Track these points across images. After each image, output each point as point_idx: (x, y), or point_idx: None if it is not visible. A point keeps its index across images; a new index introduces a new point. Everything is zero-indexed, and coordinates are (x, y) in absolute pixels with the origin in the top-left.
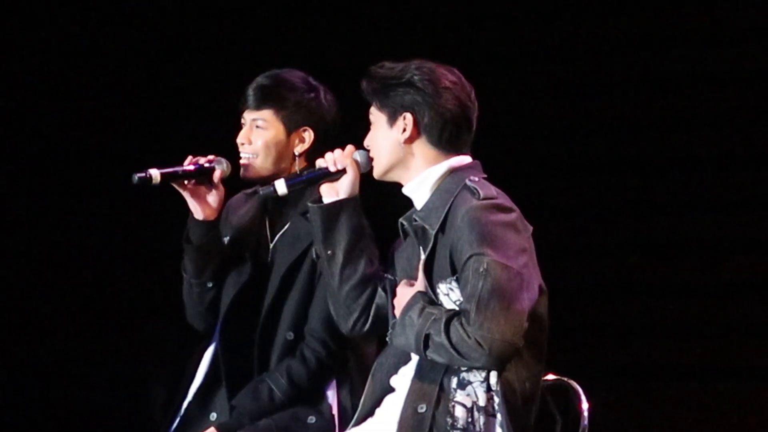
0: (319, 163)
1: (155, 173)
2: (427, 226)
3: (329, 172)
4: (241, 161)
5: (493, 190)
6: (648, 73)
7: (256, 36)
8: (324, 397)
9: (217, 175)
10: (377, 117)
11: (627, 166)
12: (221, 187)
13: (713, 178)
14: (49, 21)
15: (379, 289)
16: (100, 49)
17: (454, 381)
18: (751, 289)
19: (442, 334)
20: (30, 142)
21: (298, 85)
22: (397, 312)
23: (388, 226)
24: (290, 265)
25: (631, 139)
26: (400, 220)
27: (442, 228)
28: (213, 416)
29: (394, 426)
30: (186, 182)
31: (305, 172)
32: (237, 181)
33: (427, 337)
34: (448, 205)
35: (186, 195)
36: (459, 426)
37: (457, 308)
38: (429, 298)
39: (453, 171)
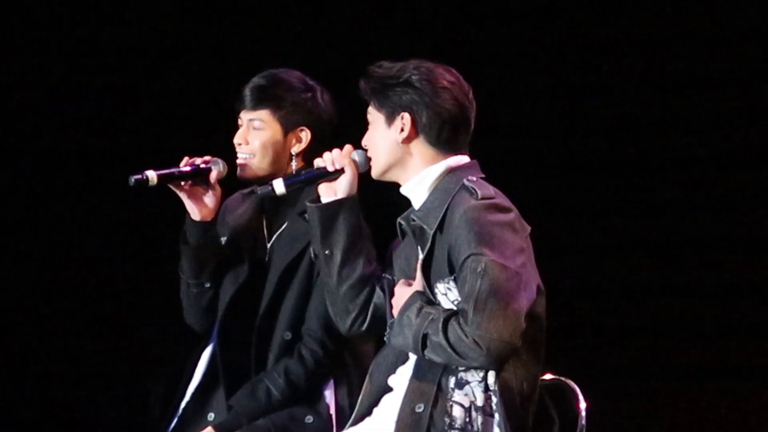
0: (317, 162)
1: (152, 175)
2: (425, 226)
3: (327, 171)
4: (238, 161)
5: (491, 190)
6: (648, 73)
7: (254, 36)
8: (321, 396)
9: (213, 176)
10: (375, 117)
11: (626, 166)
12: (218, 188)
13: (713, 178)
14: (48, 21)
15: (377, 289)
16: (99, 49)
17: (452, 381)
18: (751, 289)
19: (440, 333)
20: (30, 142)
21: (295, 84)
22: (395, 312)
23: (386, 226)
24: (288, 265)
25: (630, 139)
26: (398, 219)
27: (440, 228)
28: (211, 416)
29: (392, 426)
30: (183, 183)
31: (303, 172)
32: (234, 182)
33: (425, 336)
34: (446, 205)
35: (183, 196)
36: (457, 426)
37: (455, 308)
38: (427, 298)
39: (451, 171)
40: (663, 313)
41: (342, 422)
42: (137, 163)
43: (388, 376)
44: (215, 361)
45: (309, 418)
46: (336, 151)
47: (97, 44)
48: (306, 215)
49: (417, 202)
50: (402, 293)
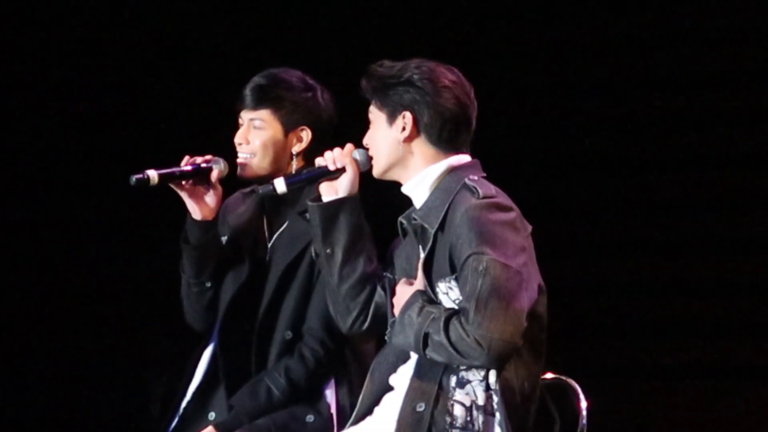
0: (319, 161)
1: (153, 174)
2: (426, 225)
3: (328, 170)
4: (239, 161)
5: (492, 189)
6: (648, 72)
7: (254, 35)
8: (322, 396)
9: (214, 175)
10: (376, 116)
11: (627, 166)
12: (219, 187)
13: (714, 178)
14: (48, 20)
15: (378, 288)
16: (99, 48)
17: (453, 380)
18: (752, 288)
19: (442, 332)
20: (30, 141)
21: (296, 84)
22: (397, 311)
23: (386, 225)
24: (288, 264)
25: (630, 139)
26: (400, 218)
27: (441, 227)
28: (212, 415)
29: (393, 425)
30: (184, 182)
31: (304, 171)
32: (234, 181)
33: (427, 335)
34: (448, 204)
35: (184, 195)
36: (458, 425)
37: (456, 307)
38: (428, 297)
39: (452, 170)
40: (663, 312)
41: (343, 421)
42: (138, 162)
43: (389, 375)
44: (216, 361)
45: (310, 417)
46: (337, 150)
47: (97, 43)
48: (307, 214)
49: (418, 201)
50: (403, 292)
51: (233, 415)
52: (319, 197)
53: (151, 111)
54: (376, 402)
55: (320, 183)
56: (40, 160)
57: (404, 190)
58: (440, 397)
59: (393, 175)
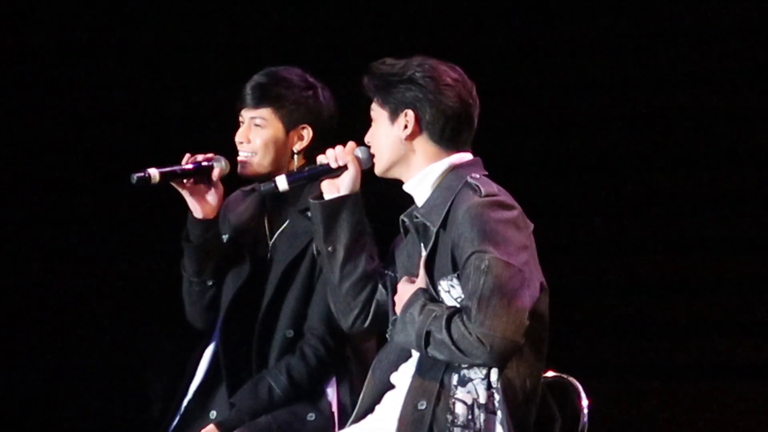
0: (320, 159)
1: (154, 173)
2: (428, 223)
3: (330, 168)
4: (240, 159)
5: (494, 187)
6: (648, 71)
7: (254, 34)
8: (323, 394)
9: (215, 174)
10: (378, 113)
11: (628, 165)
12: (220, 186)
13: (715, 176)
14: (48, 20)
15: (380, 286)
16: (99, 47)
17: (455, 378)
18: (753, 287)
19: (443, 331)
20: (31, 141)
21: (296, 82)
22: (398, 309)
23: (388, 223)
24: (289, 262)
25: (632, 137)
26: (401, 216)
27: (443, 225)
28: (213, 414)
29: (394, 423)
30: (185, 181)
31: (306, 169)
32: (234, 179)
33: (428, 334)
34: (450, 202)
35: (185, 194)
36: (459, 423)
37: (458, 305)
38: (430, 295)
39: (454, 168)
40: (665, 311)
41: (344, 420)
42: (138, 161)
43: (391, 373)
44: (217, 360)
45: (311, 416)
46: (339, 147)
47: (97, 43)
48: (308, 213)
49: (420, 200)
50: (405, 290)
51: (234, 413)
52: (320, 195)
53: (150, 110)
54: (378, 400)
55: (322, 181)
56: (40, 160)
57: (406, 188)
58: (442, 396)
59: (395, 173)
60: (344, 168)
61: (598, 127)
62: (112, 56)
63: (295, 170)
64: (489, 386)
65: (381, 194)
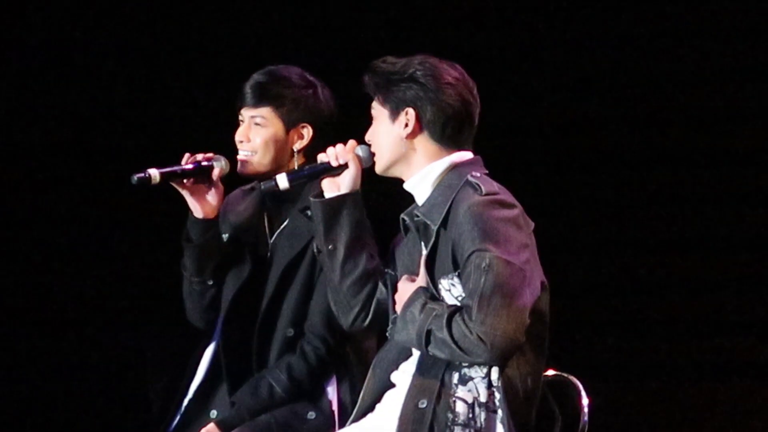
0: (321, 157)
1: (154, 173)
2: (429, 222)
3: (331, 166)
4: (240, 158)
5: (495, 186)
6: (649, 71)
7: (254, 32)
8: (324, 393)
9: (216, 173)
10: (379, 112)
11: (629, 164)
12: (220, 185)
13: (715, 176)
14: (48, 20)
15: (380, 285)
16: (98, 46)
17: (456, 376)
18: (753, 286)
19: (444, 329)
20: (31, 141)
21: (296, 81)
22: (399, 307)
23: (388, 222)
24: (290, 261)
25: (633, 137)
26: (402, 215)
27: (444, 223)
28: (213, 413)
29: (395, 421)
30: (185, 181)
31: (306, 167)
32: (234, 178)
33: (429, 332)
34: (450, 201)
35: (185, 194)
36: (460, 421)
37: (458, 304)
38: (431, 294)
39: (455, 166)
40: (665, 309)
41: (344, 418)
42: (138, 160)
43: (391, 371)
44: (218, 359)
45: (311, 414)
46: (339, 146)
47: (96, 42)
48: (308, 211)
49: (420, 198)
50: (405, 289)
51: (235, 412)
52: (321, 193)
53: (150, 109)
54: (378, 399)
55: (322, 179)
56: (40, 160)
57: (406, 186)
58: (442, 394)
59: (395, 172)
60: (345, 166)
61: (599, 126)
62: (112, 56)
63: (296, 169)
64: (490, 385)
65: (381, 193)
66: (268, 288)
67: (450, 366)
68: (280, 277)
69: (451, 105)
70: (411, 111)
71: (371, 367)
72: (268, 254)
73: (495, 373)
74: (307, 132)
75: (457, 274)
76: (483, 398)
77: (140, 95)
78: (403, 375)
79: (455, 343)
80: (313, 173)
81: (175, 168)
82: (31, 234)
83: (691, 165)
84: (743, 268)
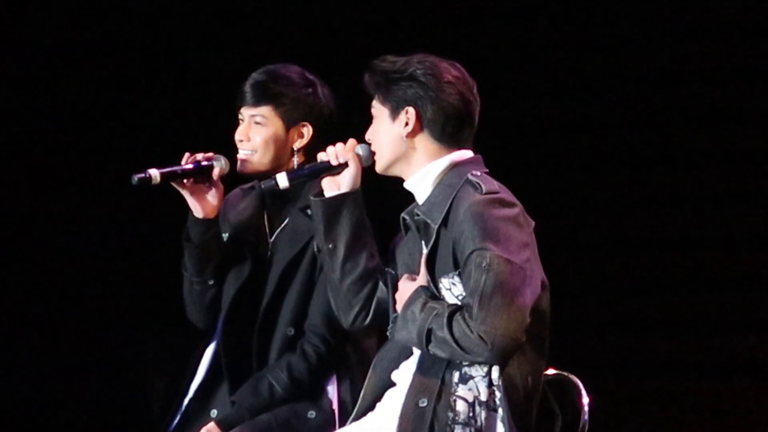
0: (321, 156)
1: (155, 173)
2: (429, 221)
3: (331, 165)
4: (239, 157)
5: (495, 185)
6: (649, 70)
7: (254, 31)
8: (324, 392)
9: (216, 173)
10: (379, 111)
11: (629, 162)
12: (220, 185)
13: (716, 174)
14: (48, 20)
15: (381, 284)
16: (98, 46)
17: (456, 375)
18: (754, 286)
19: (445, 328)
20: (32, 141)
21: (296, 80)
22: (399, 306)
23: (389, 221)
24: (290, 260)
25: (633, 135)
26: (402, 214)
27: (444, 222)
28: (214, 413)
29: (395, 420)
30: (185, 181)
31: (306, 166)
32: (234, 178)
33: (430, 331)
34: (451, 200)
35: (185, 194)
36: (460, 420)
37: (459, 303)
38: (431, 293)
39: (455, 165)
40: (665, 308)
41: (345, 417)
42: (137, 160)
43: (392, 370)
44: (218, 358)
45: (311, 414)
46: (340, 145)
47: (96, 42)
48: (308, 210)
49: (421, 197)
50: (406, 288)
51: (235, 411)
52: (321, 192)
53: (150, 109)
54: (378, 398)
55: (322, 178)
56: (40, 160)
57: (407, 185)
58: (443, 393)
59: (396, 171)
60: (345, 165)
61: (599, 124)
62: (113, 56)
63: (296, 168)
64: (490, 384)
65: (382, 192)
66: (268, 287)
67: (450, 365)
68: (280, 277)
69: (452, 104)
70: (411, 110)
71: (372, 366)
72: (268, 253)
73: (495, 372)
74: (307, 131)
75: (457, 273)
76: (483, 397)
77: (140, 95)
78: (404, 374)
79: (456, 342)
80: (313, 172)
81: (175, 168)
82: (32, 234)
83: (692, 164)
84: (744, 268)
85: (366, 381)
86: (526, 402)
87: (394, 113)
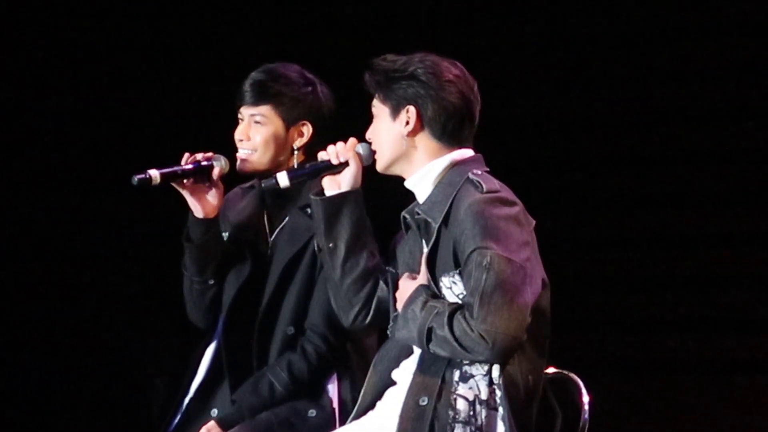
0: (321, 155)
1: (155, 174)
2: (430, 220)
3: (331, 164)
4: (239, 156)
5: (495, 184)
6: (650, 69)
7: (253, 31)
8: (324, 390)
9: (216, 173)
10: (380, 110)
11: (630, 162)
12: (220, 185)
13: (716, 173)
14: (48, 19)
15: (381, 282)
16: (97, 46)
17: (457, 374)
18: (755, 284)
19: (445, 327)
20: (31, 142)
21: (295, 79)
22: (399, 305)
23: (389, 220)
24: (290, 259)
25: (633, 134)
26: (403, 213)
27: (445, 221)
28: (214, 412)
29: (396, 419)
30: (185, 181)
31: (307, 165)
32: (233, 177)
33: (430, 330)
34: (451, 199)
35: (185, 194)
36: (461, 419)
37: (460, 302)
38: (432, 292)
39: (455, 164)
40: (664, 306)
41: (345, 416)
42: (138, 160)
43: (392, 369)
44: (219, 358)
45: (312, 412)
46: (340, 144)
47: (95, 41)
48: (308, 209)
49: (421, 196)
50: (406, 287)
51: (235, 409)
52: (321, 191)
53: (150, 109)
54: (379, 396)
55: (322, 177)
56: (40, 159)
57: (407, 184)
58: (443, 392)
59: (396, 170)
60: (345, 164)
61: (600, 124)
62: (112, 56)
63: (297, 167)
64: (491, 382)
65: (382, 190)
66: (268, 286)
67: (451, 363)
68: (280, 276)
69: (452, 102)
70: (412, 108)
71: (372, 364)
72: (268, 252)
73: (496, 370)
74: (307, 130)
75: (458, 271)
76: (484, 396)
77: (140, 95)
78: (404, 373)
79: (456, 340)
80: (313, 171)
81: (175, 168)
82: (32, 234)
83: (692, 164)
84: (744, 268)
85: (366, 380)
86: (526, 400)
87: (395, 112)
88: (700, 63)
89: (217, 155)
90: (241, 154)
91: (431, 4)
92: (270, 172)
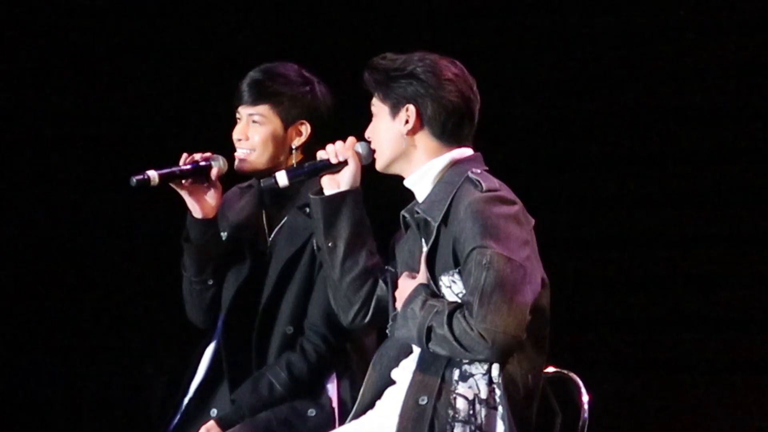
0: (321, 154)
1: (153, 175)
2: (429, 219)
3: (330, 163)
4: (238, 156)
5: (495, 182)
6: (650, 69)
7: (252, 30)
8: (324, 390)
9: (214, 173)
10: (379, 108)
11: (629, 160)
12: (219, 185)
13: (717, 172)
14: (48, 19)
15: (380, 282)
16: (98, 47)
17: (456, 373)
18: (755, 284)
19: (445, 326)
20: (31, 142)
21: (293, 78)
22: (399, 304)
23: (388, 219)
24: (289, 259)
25: (634, 133)
26: (402, 212)
27: (444, 220)
28: (214, 412)
29: (395, 418)
30: (183, 181)
31: (306, 164)
32: (232, 176)
33: (430, 329)
34: (451, 198)
35: (184, 194)
36: (460, 418)
37: (459, 301)
38: (431, 291)
39: (455, 163)
40: (666, 306)
41: (344, 415)
42: (138, 160)
43: (391, 368)
44: (219, 358)
45: (311, 412)
46: (339, 143)
47: (96, 42)
48: (306, 209)
49: (421, 195)
50: (406, 286)
51: (235, 409)
52: (320, 191)
53: (148, 109)
54: (378, 396)
55: (321, 176)
56: (40, 159)
57: (407, 183)
58: (443, 391)
59: (396, 169)
60: (344, 163)
61: (600, 122)
62: (112, 56)
63: (296, 166)
64: (490, 381)
65: (381, 189)
66: (267, 286)
67: (450, 363)
68: (279, 275)
69: (452, 101)
70: (411, 107)
71: (371, 364)
72: (267, 252)
73: (496, 369)
74: (306, 129)
75: (457, 270)
76: (483, 395)
77: (140, 95)
78: (404, 372)
79: (456, 339)
80: (312, 170)
81: (174, 169)
82: (32, 234)
83: (692, 163)
84: (744, 266)
85: (366, 379)
86: (526, 400)
87: (394, 111)
88: (700, 63)
89: (215, 155)
90: (239, 153)
91: (431, 4)
92: (269, 172)
